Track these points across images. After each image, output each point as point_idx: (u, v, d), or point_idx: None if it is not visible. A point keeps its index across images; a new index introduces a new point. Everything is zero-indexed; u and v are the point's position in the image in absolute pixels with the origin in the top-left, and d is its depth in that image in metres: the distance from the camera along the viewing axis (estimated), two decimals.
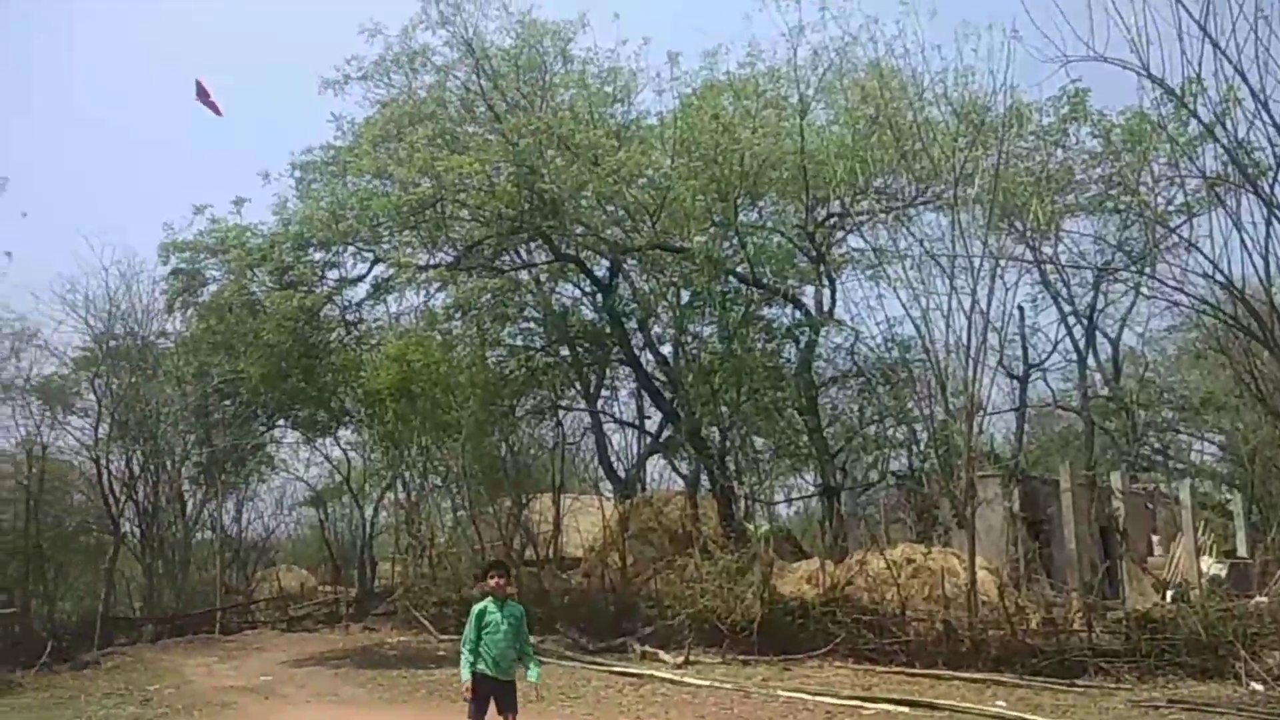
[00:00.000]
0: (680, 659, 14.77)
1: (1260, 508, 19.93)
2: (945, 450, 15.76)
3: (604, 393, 24.20)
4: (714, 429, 20.38)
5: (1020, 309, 20.20)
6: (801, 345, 20.04)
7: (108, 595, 26.48)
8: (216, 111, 18.41)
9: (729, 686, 12.79)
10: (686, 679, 13.43)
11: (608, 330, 21.29)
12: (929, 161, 15.89)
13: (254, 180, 23.69)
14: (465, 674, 7.76)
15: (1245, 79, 11.64)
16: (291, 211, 19.12)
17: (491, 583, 8.09)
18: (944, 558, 15.52)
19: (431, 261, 19.88)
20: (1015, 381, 21.32)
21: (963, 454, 14.41)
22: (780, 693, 12.23)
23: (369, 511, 29.14)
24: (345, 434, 25.94)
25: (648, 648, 15.82)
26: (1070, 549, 16.78)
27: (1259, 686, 11.56)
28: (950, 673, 12.88)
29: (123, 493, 27.10)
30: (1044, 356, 21.56)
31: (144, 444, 26.66)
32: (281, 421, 24.29)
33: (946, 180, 15.51)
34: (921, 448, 18.84)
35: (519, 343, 22.57)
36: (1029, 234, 16.95)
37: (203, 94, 18.24)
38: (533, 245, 20.58)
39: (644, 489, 23.96)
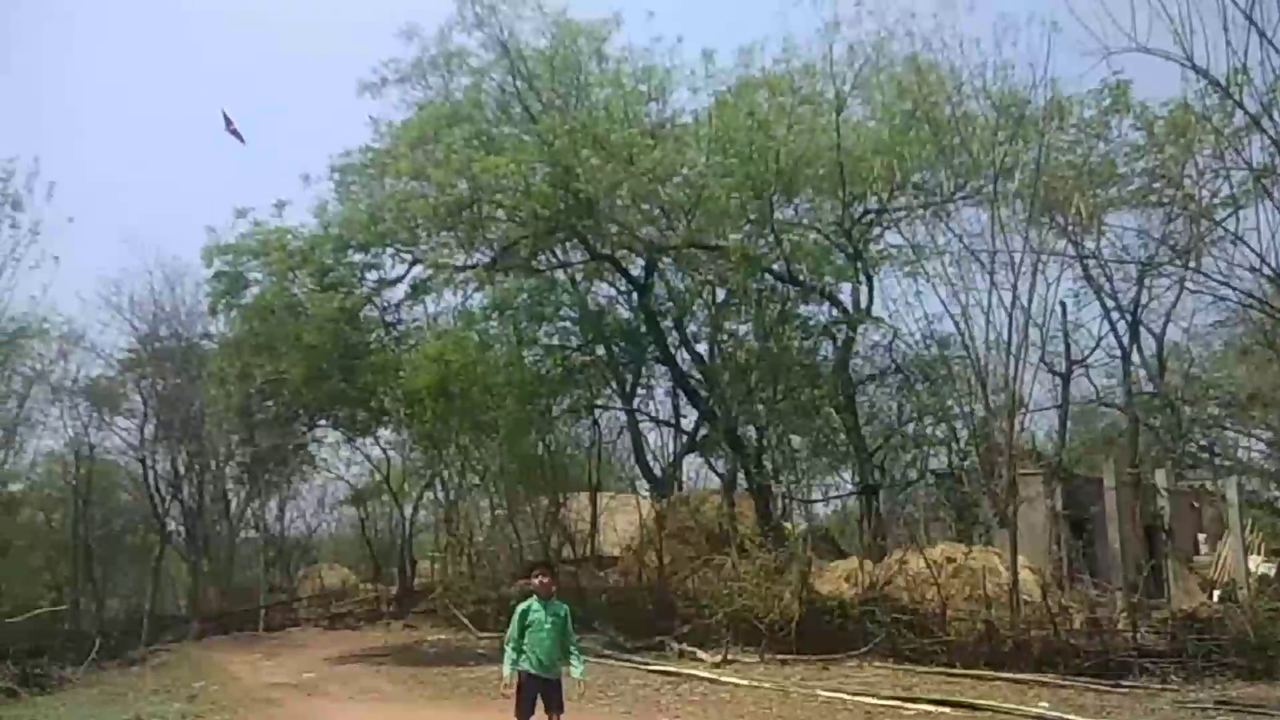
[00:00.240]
0: (718, 658, 14.75)
1: None
2: (986, 448, 15.57)
3: (640, 391, 24.22)
4: (750, 427, 20.33)
5: (1062, 305, 19.87)
6: (839, 343, 19.91)
7: (154, 593, 27.08)
8: (240, 139, 18.83)
9: (767, 686, 12.75)
10: (724, 678, 13.40)
11: (643, 329, 21.30)
12: (968, 156, 15.75)
13: (295, 183, 24.07)
14: (506, 670, 7.83)
15: None
16: (331, 214, 19.38)
17: (535, 581, 8.16)
18: (985, 557, 15.35)
19: (469, 262, 20.02)
20: (1057, 378, 20.98)
21: (1004, 452, 14.24)
22: (819, 692, 12.16)
23: (408, 510, 29.43)
24: (385, 434, 26.18)
25: (685, 646, 15.83)
26: (1114, 548, 16.52)
27: None
28: (992, 673, 12.73)
29: (168, 492, 27.70)
30: (1087, 353, 21.20)
31: (189, 444, 27.22)
32: (322, 421, 24.57)
33: (986, 175, 15.34)
34: (961, 445, 18.62)
35: (555, 342, 22.66)
36: (1071, 228, 16.74)
37: (228, 124, 18.69)
38: (568, 245, 20.65)
39: (680, 488, 23.94)
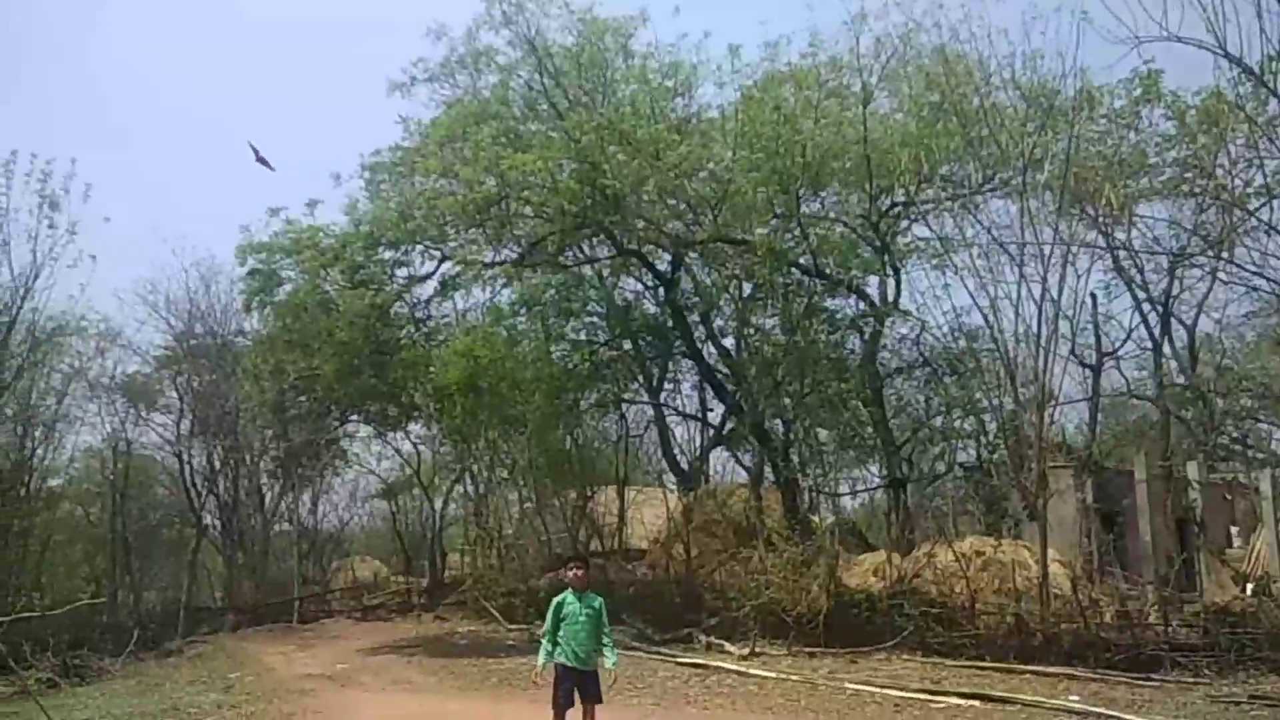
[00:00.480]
0: (746, 650, 14.81)
1: None
2: (1015, 441, 15.51)
3: (667, 386, 24.31)
4: (777, 421, 20.34)
5: (1093, 296, 19.70)
6: (866, 336, 19.88)
7: (190, 586, 27.52)
8: (269, 167, 19.12)
9: (795, 678, 12.80)
10: (752, 670, 13.47)
11: (670, 324, 21.37)
12: (996, 147, 15.64)
13: (326, 182, 24.34)
14: (540, 660, 7.98)
15: None
16: (362, 212, 19.58)
17: (570, 574, 8.28)
18: (1014, 550, 15.30)
19: (497, 258, 20.17)
20: (1088, 370, 20.81)
21: (1034, 445, 14.18)
22: (848, 685, 12.20)
23: (438, 504, 29.72)
24: (415, 428, 26.49)
25: (713, 639, 15.89)
26: (1145, 541, 16.39)
27: None
28: (1022, 666, 12.68)
29: (204, 487, 28.13)
30: (1118, 345, 21.02)
31: (224, 439, 27.62)
32: (354, 416, 24.89)
33: (1015, 166, 15.24)
34: (990, 439, 18.55)
35: (583, 337, 22.77)
36: (1101, 219, 16.59)
37: (257, 155, 19.01)
38: (595, 240, 20.74)
39: (707, 481, 24.01)
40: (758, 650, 14.83)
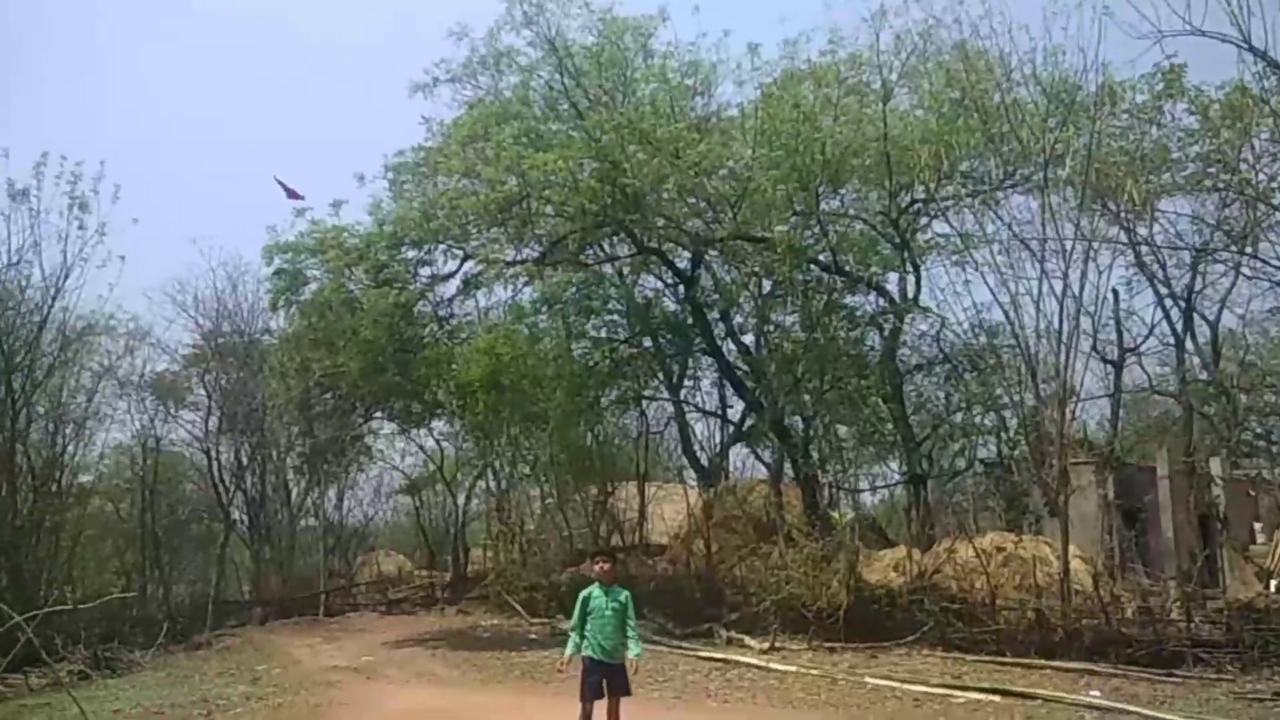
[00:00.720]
0: (766, 645, 14.90)
1: None
2: (1036, 437, 15.49)
3: (687, 383, 24.37)
4: (797, 418, 20.37)
5: (1114, 292, 19.62)
6: (886, 333, 19.85)
7: (218, 580, 27.88)
8: (299, 196, 19.33)
9: (815, 673, 12.87)
10: (772, 665, 13.55)
11: (690, 321, 21.43)
12: (1017, 143, 15.61)
13: (350, 182, 24.56)
14: (567, 650, 8.13)
15: None
16: (386, 212, 19.73)
17: (597, 568, 8.40)
18: (1035, 546, 15.29)
19: (518, 257, 20.28)
20: (1109, 366, 20.71)
21: (1055, 441, 14.17)
22: (868, 680, 12.26)
23: (461, 499, 29.91)
24: (438, 425, 26.64)
25: (733, 634, 15.99)
26: (1168, 537, 16.34)
27: None
28: (1043, 662, 12.72)
29: (232, 482, 28.45)
30: (1140, 340, 20.89)
31: (251, 436, 27.93)
32: (378, 413, 25.07)
33: (1036, 162, 15.21)
34: (1011, 435, 18.51)
35: (603, 335, 22.87)
36: (1123, 215, 16.52)
37: (286, 191, 19.22)
38: (616, 239, 20.82)
39: (727, 477, 24.07)
40: (778, 645, 14.91)
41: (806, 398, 19.81)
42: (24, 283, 21.43)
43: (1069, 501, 14.21)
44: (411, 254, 19.74)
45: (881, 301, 20.04)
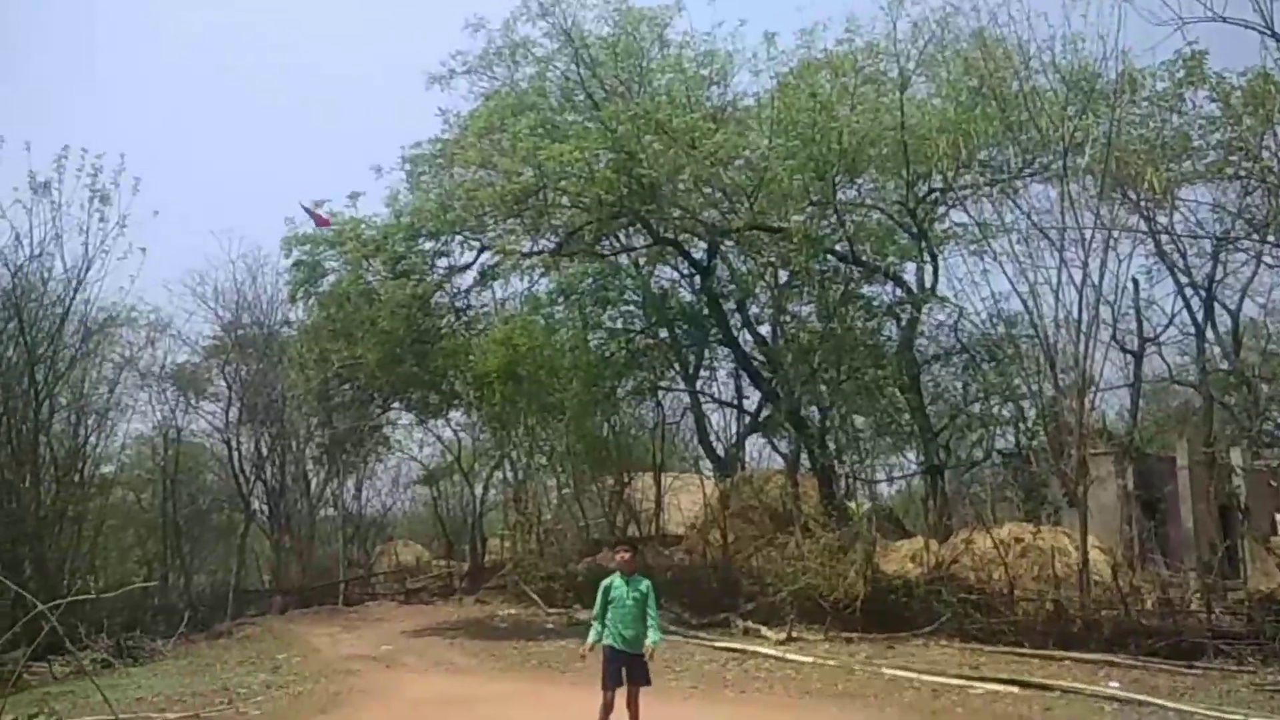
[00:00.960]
0: (783, 635, 14.91)
1: None
2: (1055, 427, 15.41)
3: (703, 373, 24.36)
4: (814, 408, 20.33)
5: (1134, 281, 19.45)
6: (903, 323, 19.78)
7: (239, 569, 28.10)
8: (325, 223, 19.36)
9: (832, 664, 12.88)
10: (789, 655, 13.57)
11: (706, 312, 21.41)
12: (1036, 132, 15.48)
13: (368, 174, 24.61)
14: (590, 638, 8.18)
15: None
16: (403, 203, 19.79)
17: (618, 558, 8.43)
18: (1054, 537, 15.24)
19: (535, 248, 20.33)
20: (1129, 356, 20.56)
21: (1074, 431, 14.09)
22: (885, 670, 12.26)
23: (478, 490, 30.05)
24: (455, 415, 26.72)
25: (750, 624, 16.01)
26: (1188, 528, 16.24)
27: None
28: (1061, 653, 12.67)
29: (252, 473, 28.66)
30: (1160, 330, 20.73)
31: (271, 427, 28.13)
32: (396, 404, 25.17)
33: (1055, 150, 15.07)
34: (1029, 425, 18.42)
35: (619, 325, 22.88)
36: (1143, 203, 16.38)
37: (316, 220, 19.24)
38: (632, 230, 20.82)
39: (743, 468, 24.07)
40: (794, 635, 14.93)
41: (823, 388, 19.77)
42: (46, 275, 21.65)
43: (1088, 492, 14.13)
44: (429, 245, 19.80)
45: (899, 291, 19.97)
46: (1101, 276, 14.18)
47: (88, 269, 21.53)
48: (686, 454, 27.30)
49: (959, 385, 20.90)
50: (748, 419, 24.15)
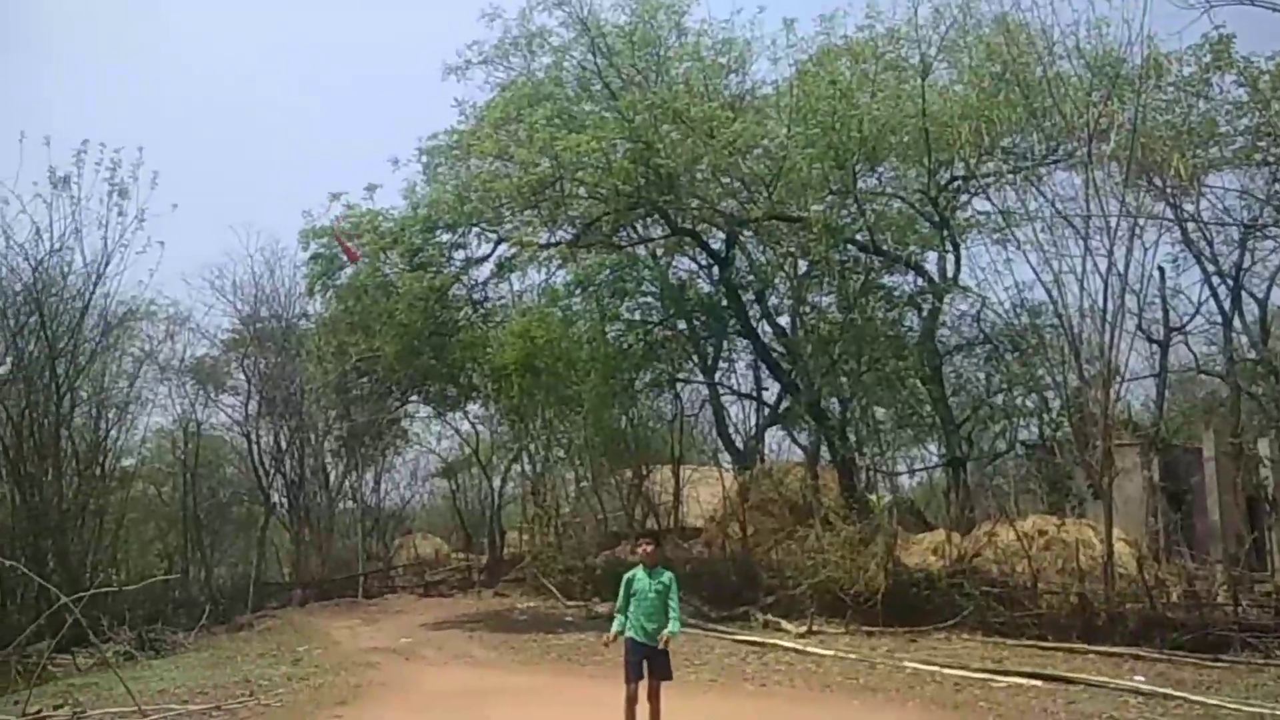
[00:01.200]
0: (803, 629, 14.83)
1: None
2: (1080, 419, 15.23)
3: (721, 365, 24.24)
4: (834, 400, 20.20)
5: (1160, 270, 19.23)
6: (924, 313, 19.61)
7: (259, 562, 28.23)
8: (356, 258, 19.36)
9: (853, 657, 12.78)
10: (810, 648, 13.48)
11: (724, 303, 21.28)
12: (1060, 118, 15.28)
13: (385, 167, 24.63)
14: (614, 628, 8.10)
15: None
16: (420, 195, 19.73)
17: (640, 551, 8.36)
18: (1078, 529, 15.08)
19: (552, 240, 20.23)
20: (1155, 346, 20.33)
21: (1099, 422, 13.92)
22: (907, 664, 12.16)
23: (497, 482, 30.08)
24: (473, 408, 26.76)
25: (770, 617, 15.94)
26: (1214, 520, 16.04)
27: None
28: (1085, 646, 12.54)
29: (271, 465, 28.79)
30: (1186, 319, 20.46)
31: (290, 420, 28.22)
32: (414, 397, 25.20)
33: (1080, 137, 14.88)
34: (1053, 416, 18.23)
35: (637, 317, 22.78)
36: (1169, 191, 16.17)
37: (348, 255, 19.25)
38: (649, 220, 20.71)
39: (763, 460, 23.97)
40: (815, 629, 14.84)
41: (843, 379, 19.64)
42: (66, 269, 21.86)
43: (1113, 484, 13.99)
44: (446, 237, 19.75)
45: (920, 281, 19.79)
46: (1127, 265, 14.06)
47: (107, 263, 21.75)
48: (705, 446, 27.22)
49: (982, 376, 20.73)
50: (767, 411, 24.04)
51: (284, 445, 28.91)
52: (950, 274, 19.20)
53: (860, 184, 18.50)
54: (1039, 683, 10.79)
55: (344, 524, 30.43)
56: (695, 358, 23.98)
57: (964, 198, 19.63)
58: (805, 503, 18.89)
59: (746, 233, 20.20)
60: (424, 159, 20.38)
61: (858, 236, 19.08)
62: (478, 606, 21.87)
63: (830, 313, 21.00)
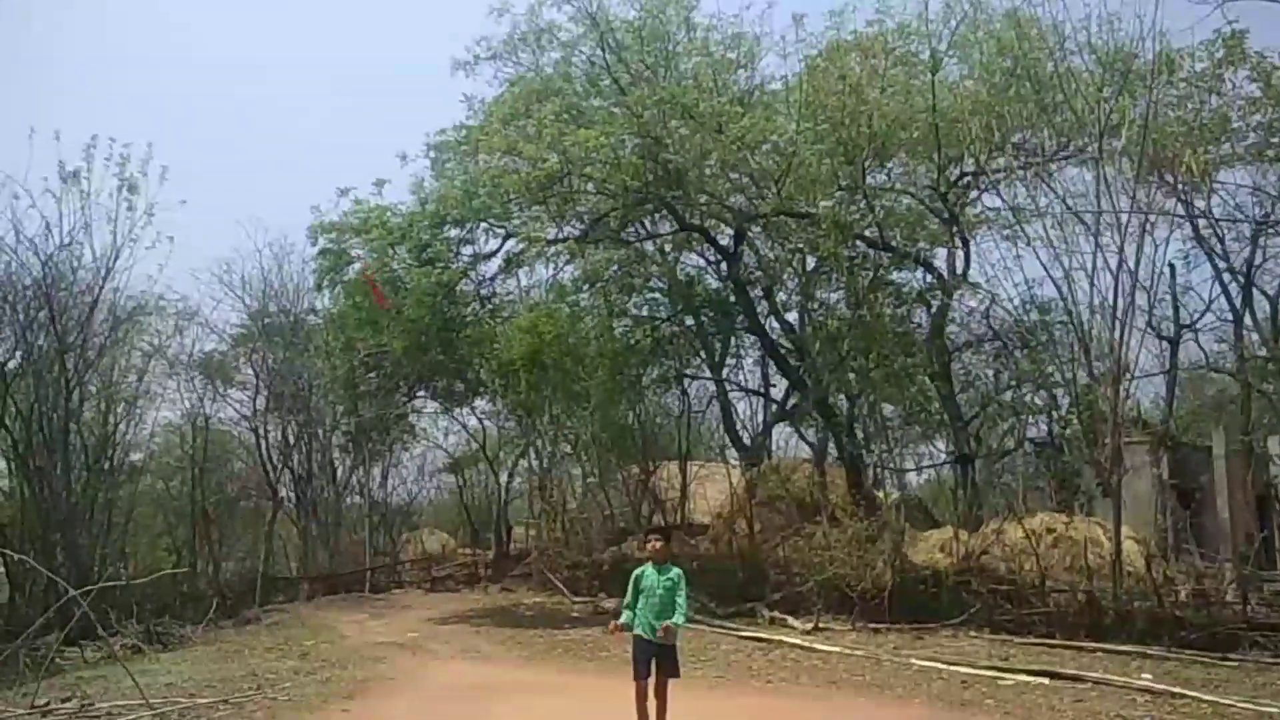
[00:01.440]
0: (809, 625, 14.79)
1: None
2: (1089, 416, 15.17)
3: (729, 361, 24.24)
4: (842, 396, 20.16)
5: (1171, 266, 19.18)
6: (933, 309, 19.55)
7: (267, 556, 28.27)
8: (385, 304, 19.36)
9: (860, 654, 12.74)
10: (816, 645, 13.43)
11: (733, 299, 21.26)
12: (1071, 114, 15.23)
13: (393, 162, 24.64)
14: (623, 617, 8.02)
15: None
16: (428, 191, 19.75)
17: (649, 547, 8.29)
18: (1087, 527, 15.04)
19: (560, 235, 20.22)
20: (1165, 343, 20.26)
21: (1108, 419, 13.86)
22: (913, 661, 12.11)
23: (504, 478, 30.12)
24: (481, 404, 26.74)
25: (776, 614, 15.90)
26: (1224, 518, 16.00)
27: None
28: (1093, 644, 12.49)
29: (279, 460, 28.84)
30: (1197, 316, 20.44)
31: (298, 415, 28.28)
32: (422, 392, 25.20)
33: (1091, 133, 14.81)
34: (1063, 413, 18.17)
35: (645, 313, 22.78)
36: (1181, 187, 16.10)
37: (379, 299, 19.27)
38: (658, 216, 20.69)
39: (770, 457, 23.93)
40: (821, 625, 14.80)
41: (851, 376, 19.59)
42: (76, 264, 21.85)
43: (1122, 482, 13.93)
44: (454, 233, 19.75)
45: (929, 277, 19.75)
46: (1138, 262, 13.94)
47: (116, 258, 21.71)
48: (712, 443, 27.22)
49: (990, 373, 20.71)
50: (774, 407, 24.01)
51: (292, 440, 28.98)
52: (960, 270, 19.15)
53: (869, 180, 18.46)
54: (1046, 681, 10.73)
55: (351, 519, 30.47)
56: (703, 354, 23.96)
57: (974, 194, 19.58)
58: (812, 499, 18.87)
59: (755, 228, 20.16)
60: (432, 154, 20.43)
61: (867, 232, 19.03)
62: (484, 602, 21.89)
63: (839, 309, 20.96)
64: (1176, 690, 9.95)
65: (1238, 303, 19.33)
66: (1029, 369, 18.86)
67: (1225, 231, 18.48)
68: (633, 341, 21.61)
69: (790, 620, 15.32)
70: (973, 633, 13.89)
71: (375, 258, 19.32)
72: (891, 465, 20.37)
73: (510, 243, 20.26)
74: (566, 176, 18.08)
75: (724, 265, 21.34)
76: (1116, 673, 10.94)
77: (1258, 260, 19.13)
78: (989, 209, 19.58)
